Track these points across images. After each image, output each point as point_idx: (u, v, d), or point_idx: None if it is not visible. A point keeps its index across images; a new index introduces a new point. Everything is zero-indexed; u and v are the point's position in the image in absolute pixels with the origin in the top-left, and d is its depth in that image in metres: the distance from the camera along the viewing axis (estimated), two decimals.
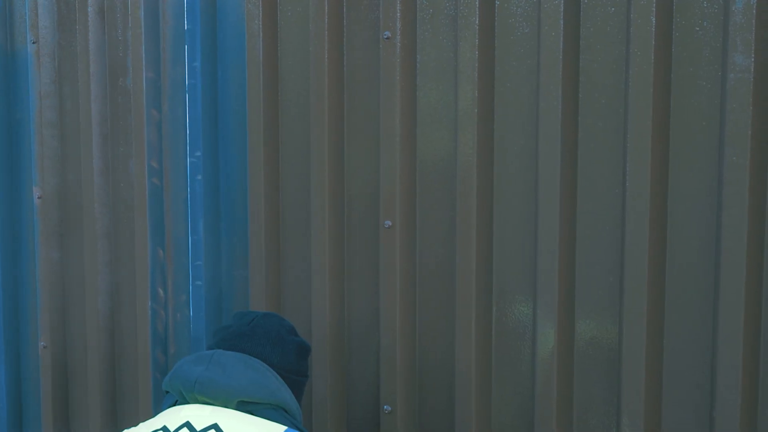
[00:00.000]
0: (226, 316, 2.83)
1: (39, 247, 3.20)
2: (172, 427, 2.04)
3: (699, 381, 2.17)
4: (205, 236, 2.83)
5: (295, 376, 2.26)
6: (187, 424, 2.03)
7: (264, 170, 2.69)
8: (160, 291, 2.98)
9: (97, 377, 3.12)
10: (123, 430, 2.15)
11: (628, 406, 2.24)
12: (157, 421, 2.09)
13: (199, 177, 2.83)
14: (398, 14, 2.45)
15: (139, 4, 2.89)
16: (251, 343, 2.23)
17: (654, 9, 2.13)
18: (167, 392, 2.20)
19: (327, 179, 2.59)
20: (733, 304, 2.10)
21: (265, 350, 2.23)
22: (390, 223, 2.51)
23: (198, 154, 2.83)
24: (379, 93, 2.50)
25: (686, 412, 2.19)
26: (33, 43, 3.16)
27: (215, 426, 2.02)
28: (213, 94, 2.80)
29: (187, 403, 2.11)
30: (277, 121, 2.69)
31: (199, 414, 2.06)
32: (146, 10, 2.89)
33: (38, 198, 3.19)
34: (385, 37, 2.47)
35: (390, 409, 2.56)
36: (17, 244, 3.29)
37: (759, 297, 2.09)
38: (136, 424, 2.15)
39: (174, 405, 2.14)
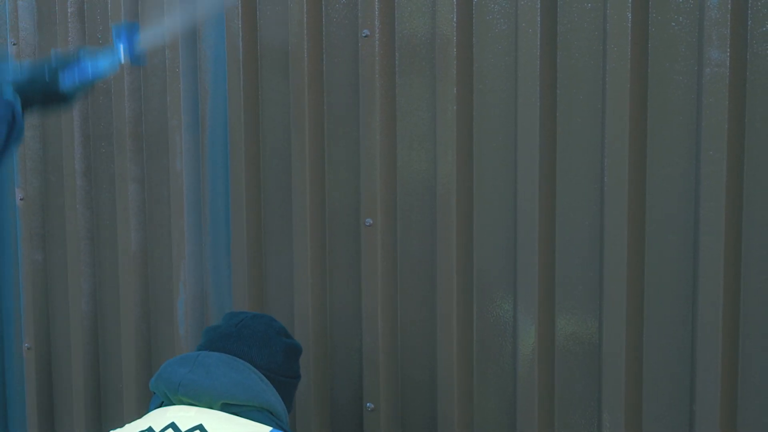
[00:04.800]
0: (210, 315, 2.84)
1: (22, 248, 3.20)
2: (157, 428, 2.05)
3: (679, 375, 2.18)
4: (188, 236, 2.84)
5: (283, 377, 2.25)
6: (173, 425, 2.04)
7: (245, 168, 2.69)
8: (144, 291, 2.99)
9: (81, 378, 3.13)
10: (109, 431, 2.15)
11: (608, 401, 2.24)
12: (143, 422, 2.09)
13: (182, 177, 2.83)
14: (376, 12, 2.46)
15: (118, 5, 2.89)
16: (238, 344, 2.23)
17: (630, 5, 2.13)
18: (154, 393, 2.20)
19: (308, 177, 2.59)
20: (711, 298, 2.11)
21: (251, 351, 2.23)
22: (371, 222, 2.51)
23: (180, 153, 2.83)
24: (359, 91, 2.51)
25: (666, 405, 2.20)
26: (13, 44, 3.16)
27: (200, 427, 2.02)
28: (194, 94, 2.80)
29: (173, 404, 2.11)
30: (257, 119, 2.69)
31: (185, 415, 2.06)
32: (126, 11, 2.89)
33: (20, 200, 3.19)
34: (364, 35, 2.48)
35: (373, 406, 2.56)
36: (0, 246, 3.29)
37: (737, 290, 2.10)
38: (122, 425, 2.16)
39: (160, 406, 2.14)
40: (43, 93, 2.22)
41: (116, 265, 3.00)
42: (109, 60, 2.27)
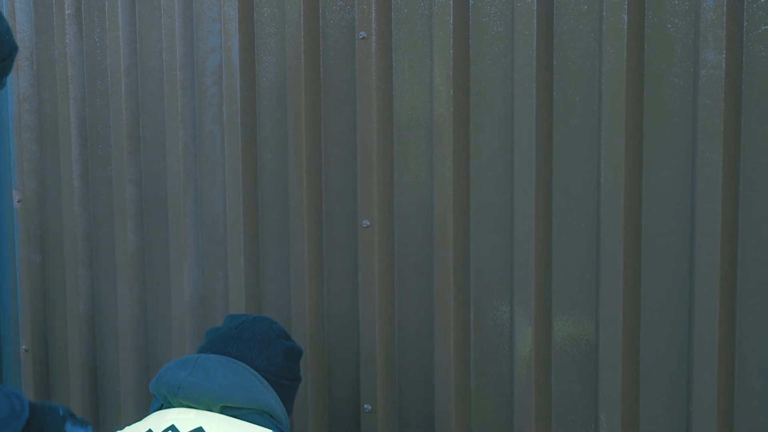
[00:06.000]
0: (207, 318, 2.84)
1: (19, 250, 3.20)
2: (157, 431, 2.05)
3: (676, 376, 2.19)
4: (185, 238, 2.84)
5: (283, 380, 2.25)
6: (172, 428, 2.04)
7: (242, 170, 2.69)
8: (142, 293, 2.99)
9: (79, 380, 3.12)
10: None
11: (605, 402, 2.25)
12: (143, 424, 2.10)
13: (179, 178, 2.83)
14: (373, 15, 2.46)
15: (116, 7, 2.89)
16: (238, 347, 2.24)
17: (626, 6, 2.14)
18: (154, 395, 2.20)
19: (305, 179, 2.60)
20: (708, 299, 2.11)
21: (251, 353, 2.23)
22: (368, 223, 2.52)
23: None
24: (356, 93, 2.51)
25: (663, 406, 2.21)
26: None
27: (200, 429, 2.03)
28: (191, 95, 2.80)
29: (173, 406, 2.12)
30: (254, 121, 2.69)
31: (184, 417, 2.06)
32: (123, 12, 2.89)
33: (18, 202, 3.19)
34: (361, 37, 2.48)
35: (370, 408, 2.56)
36: None
37: (733, 291, 2.11)
38: (120, 428, 2.16)
39: (160, 408, 2.15)
40: (49, 427, 2.32)
41: (114, 266, 3.00)
42: None
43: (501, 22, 2.32)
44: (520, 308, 2.34)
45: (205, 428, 2.03)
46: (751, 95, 2.06)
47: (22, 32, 3.14)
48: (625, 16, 2.14)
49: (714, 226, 2.09)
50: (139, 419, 2.16)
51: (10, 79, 3.17)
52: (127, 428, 2.12)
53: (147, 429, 2.06)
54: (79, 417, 2.42)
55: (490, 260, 2.38)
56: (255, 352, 2.23)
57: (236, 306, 2.74)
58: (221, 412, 2.07)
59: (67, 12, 3.01)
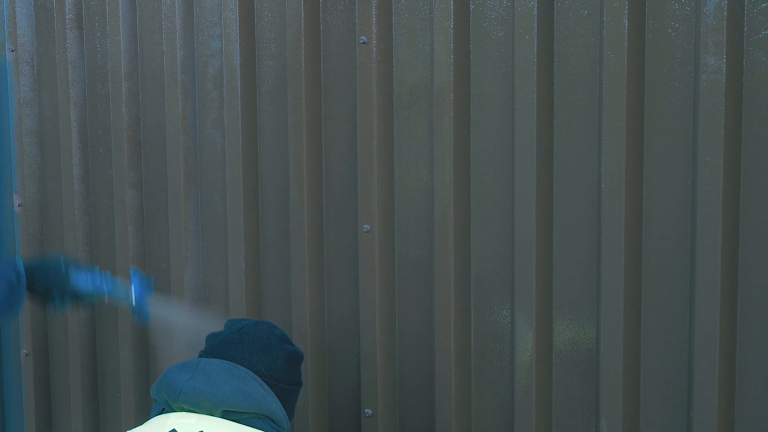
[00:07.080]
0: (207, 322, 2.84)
1: (20, 254, 3.20)
2: None
3: (676, 380, 2.19)
4: (186, 242, 2.84)
5: (285, 384, 2.25)
6: None
7: (243, 174, 2.69)
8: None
9: (79, 384, 3.13)
10: None
11: (606, 407, 2.25)
12: (144, 428, 2.09)
13: (180, 182, 2.83)
14: (374, 19, 2.46)
15: (116, 12, 2.90)
16: (239, 351, 2.23)
17: (626, 11, 2.14)
18: (155, 400, 2.20)
19: (305, 183, 2.60)
20: (708, 303, 2.11)
21: (252, 358, 2.23)
22: (369, 228, 2.52)
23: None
24: (356, 97, 2.51)
25: (664, 411, 2.21)
26: (11, 50, 3.16)
27: None
28: (192, 99, 2.80)
29: (174, 411, 2.12)
30: (255, 125, 2.69)
31: (186, 422, 2.06)
32: (124, 17, 2.89)
33: (18, 206, 3.19)
34: (361, 41, 2.48)
35: (371, 412, 2.56)
36: None
37: (734, 296, 2.10)
38: None
39: (161, 413, 2.15)
40: (54, 280, 2.33)
41: (114, 270, 3.00)
42: (123, 295, 2.42)
43: (501, 27, 2.32)
44: (520, 313, 2.34)
45: None
46: (752, 100, 2.06)
47: (23, 36, 3.15)
48: (626, 21, 2.14)
49: (715, 230, 2.09)
50: (140, 424, 2.15)
51: (11, 83, 3.17)
52: None
53: None
54: (77, 260, 2.39)
55: (491, 265, 2.38)
56: (256, 357, 2.23)
57: (237, 310, 2.74)
58: (222, 417, 2.07)
59: (67, 16, 3.02)
